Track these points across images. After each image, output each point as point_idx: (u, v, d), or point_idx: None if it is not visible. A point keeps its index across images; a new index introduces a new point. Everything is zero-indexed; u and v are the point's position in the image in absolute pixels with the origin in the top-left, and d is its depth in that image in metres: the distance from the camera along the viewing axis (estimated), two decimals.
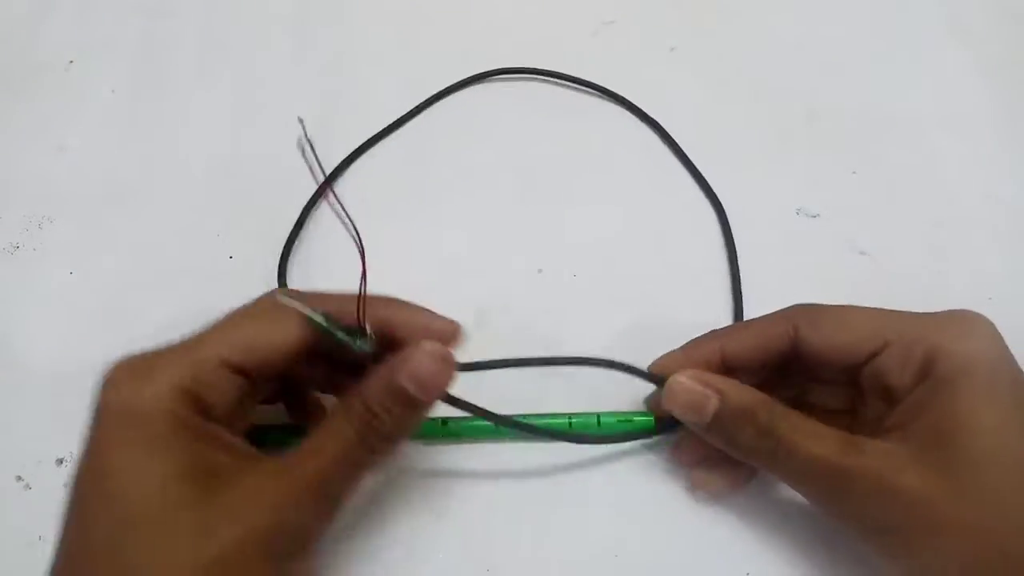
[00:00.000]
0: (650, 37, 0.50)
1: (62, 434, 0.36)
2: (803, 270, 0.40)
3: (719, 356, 0.30)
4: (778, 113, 0.45)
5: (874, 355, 0.28)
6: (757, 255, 0.40)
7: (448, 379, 0.26)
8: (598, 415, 0.33)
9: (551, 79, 0.47)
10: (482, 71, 0.48)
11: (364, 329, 0.27)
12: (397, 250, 0.40)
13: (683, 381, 0.29)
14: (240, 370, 0.26)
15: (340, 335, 0.26)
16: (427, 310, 0.29)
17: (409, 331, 0.28)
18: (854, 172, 0.43)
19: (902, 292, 0.38)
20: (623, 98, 0.46)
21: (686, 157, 0.44)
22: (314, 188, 0.43)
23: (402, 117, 0.46)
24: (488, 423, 0.31)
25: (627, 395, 0.35)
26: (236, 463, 0.24)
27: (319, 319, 0.26)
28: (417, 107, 0.46)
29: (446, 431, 0.33)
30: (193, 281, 0.40)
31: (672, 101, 0.46)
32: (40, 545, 0.33)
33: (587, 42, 0.50)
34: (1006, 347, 0.27)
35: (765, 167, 0.44)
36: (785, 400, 0.29)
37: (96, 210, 0.43)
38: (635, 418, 0.33)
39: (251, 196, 0.44)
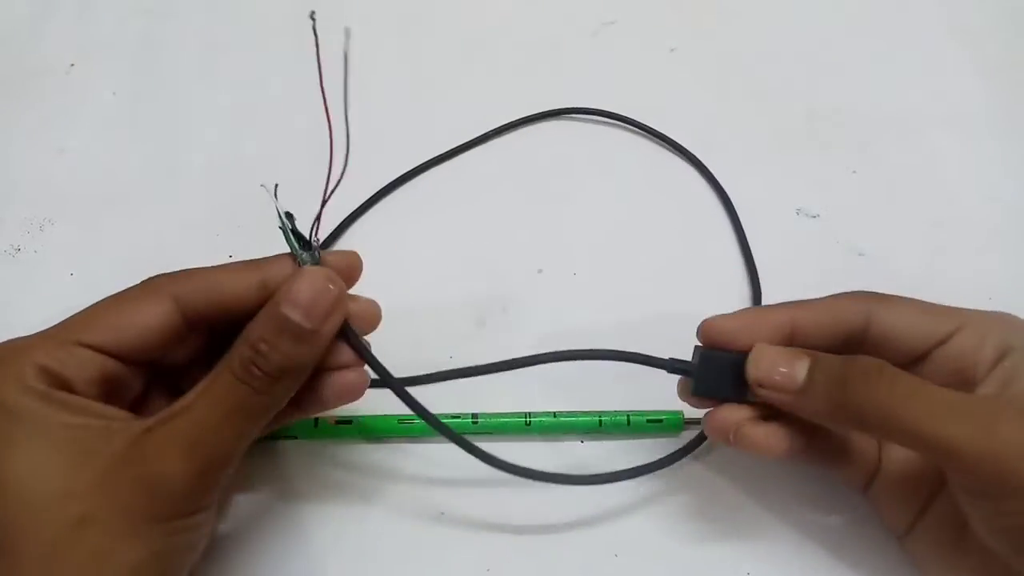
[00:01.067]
0: (650, 38, 0.50)
1: None
2: (802, 270, 0.40)
3: (788, 329, 0.28)
4: (778, 113, 0.45)
5: (949, 336, 0.27)
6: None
7: (336, 303, 0.25)
8: (628, 414, 0.34)
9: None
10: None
11: (309, 242, 0.27)
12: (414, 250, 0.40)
13: (768, 348, 0.28)
14: (102, 349, 0.25)
15: (292, 239, 0.26)
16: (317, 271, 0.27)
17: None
18: (854, 172, 0.43)
19: (900, 293, 0.38)
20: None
21: (694, 158, 0.44)
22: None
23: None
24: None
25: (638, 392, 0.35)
26: (104, 428, 0.24)
27: (282, 216, 0.27)
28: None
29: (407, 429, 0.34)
30: None
31: (671, 102, 0.46)
32: None
33: (587, 42, 0.50)
34: None
35: (765, 167, 0.44)
36: None
37: (97, 212, 0.43)
38: (664, 417, 0.34)
39: (251, 197, 0.43)
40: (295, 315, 0.24)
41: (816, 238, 0.41)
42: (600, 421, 0.34)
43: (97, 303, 0.27)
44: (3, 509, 0.23)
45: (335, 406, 0.28)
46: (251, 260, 0.28)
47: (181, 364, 0.29)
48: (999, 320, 0.28)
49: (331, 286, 0.25)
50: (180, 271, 0.28)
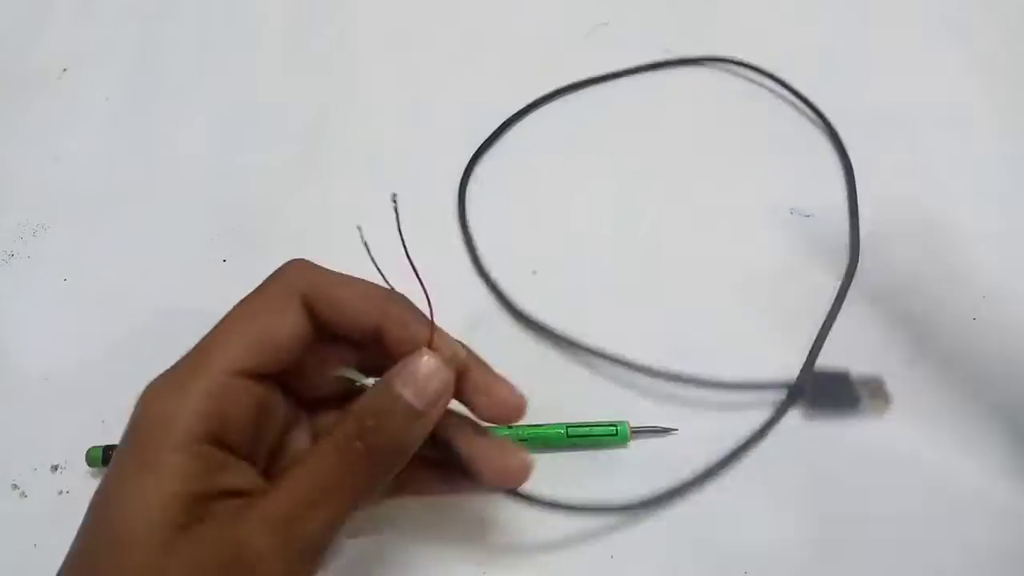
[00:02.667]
0: (644, 39, 0.50)
1: (57, 441, 0.36)
2: (799, 270, 0.40)
3: None
4: (773, 113, 0.45)
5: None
6: (756, 255, 0.40)
7: (447, 381, 0.25)
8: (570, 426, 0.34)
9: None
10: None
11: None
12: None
13: None
14: (252, 373, 0.25)
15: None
16: (438, 329, 0.26)
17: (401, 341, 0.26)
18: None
19: (896, 290, 0.39)
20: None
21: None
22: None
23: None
24: None
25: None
26: (221, 498, 0.23)
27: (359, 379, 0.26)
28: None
29: None
30: (187, 286, 0.40)
31: (668, 102, 0.46)
32: (35, 553, 0.33)
33: (580, 44, 0.50)
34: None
35: (759, 166, 0.44)
36: None
37: (90, 217, 0.43)
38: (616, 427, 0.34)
39: (245, 200, 0.44)
40: (408, 394, 0.24)
41: (811, 238, 0.41)
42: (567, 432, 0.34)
43: (232, 316, 0.26)
44: (95, 540, 0.23)
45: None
46: (378, 287, 0.27)
47: (316, 388, 0.28)
48: None
49: (445, 371, 0.25)
50: (312, 270, 0.27)
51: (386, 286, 0.26)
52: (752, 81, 0.47)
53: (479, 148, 0.44)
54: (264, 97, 0.48)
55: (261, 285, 0.27)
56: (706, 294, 0.39)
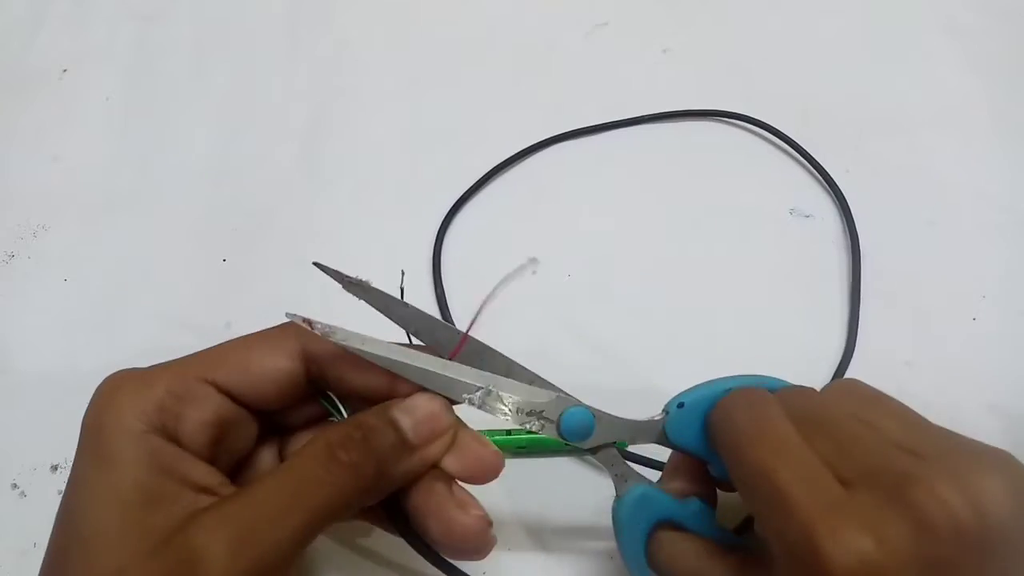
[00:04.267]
0: (643, 39, 0.50)
1: (57, 441, 0.35)
2: (797, 270, 0.40)
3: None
4: (771, 113, 0.45)
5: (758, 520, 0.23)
6: (753, 255, 0.40)
7: (447, 424, 0.24)
8: None
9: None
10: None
11: None
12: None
13: None
14: (225, 390, 0.24)
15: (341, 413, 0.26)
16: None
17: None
18: (847, 171, 0.43)
19: (896, 291, 0.39)
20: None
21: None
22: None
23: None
24: None
25: None
26: (180, 492, 0.22)
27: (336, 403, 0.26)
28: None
29: None
30: (187, 285, 0.40)
31: (665, 102, 0.46)
32: (35, 552, 0.33)
33: (580, 44, 0.50)
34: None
35: (758, 167, 0.44)
36: None
37: (90, 218, 0.43)
38: None
39: (244, 200, 0.44)
40: (405, 422, 0.24)
41: (809, 238, 0.41)
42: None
43: (228, 342, 0.26)
44: (63, 536, 0.22)
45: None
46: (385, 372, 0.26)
47: (295, 428, 0.27)
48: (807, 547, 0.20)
49: (447, 416, 0.24)
50: (317, 338, 0.26)
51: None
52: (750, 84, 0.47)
53: (479, 177, 0.44)
54: (263, 97, 0.48)
55: (268, 329, 0.27)
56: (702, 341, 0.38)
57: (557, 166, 0.44)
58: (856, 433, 0.22)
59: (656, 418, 0.27)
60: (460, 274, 0.40)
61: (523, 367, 0.26)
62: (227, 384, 0.24)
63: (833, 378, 0.36)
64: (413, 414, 0.24)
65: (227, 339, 0.26)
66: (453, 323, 0.37)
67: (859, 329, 0.37)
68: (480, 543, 0.24)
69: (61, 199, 0.44)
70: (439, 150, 0.45)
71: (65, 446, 0.35)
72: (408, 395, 0.25)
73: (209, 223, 0.43)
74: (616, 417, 0.26)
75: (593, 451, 0.27)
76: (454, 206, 0.42)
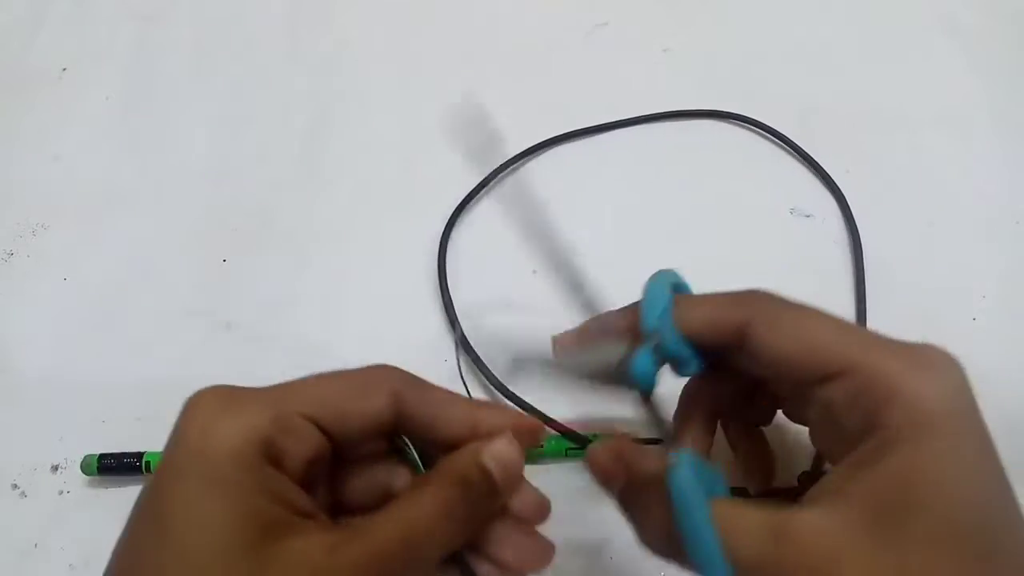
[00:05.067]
0: (643, 38, 0.50)
1: (57, 441, 0.36)
2: (796, 270, 0.40)
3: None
4: (771, 113, 0.45)
5: (826, 379, 0.23)
6: (753, 255, 0.40)
7: (522, 467, 0.25)
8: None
9: None
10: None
11: None
12: None
13: (597, 451, 0.27)
14: (326, 430, 0.25)
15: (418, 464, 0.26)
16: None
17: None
18: (847, 171, 0.43)
19: (896, 291, 0.39)
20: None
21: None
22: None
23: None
24: None
25: None
26: (294, 521, 0.23)
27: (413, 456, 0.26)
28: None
29: None
30: (187, 285, 0.40)
31: (666, 102, 0.46)
32: (35, 552, 0.33)
33: (580, 44, 0.50)
34: (973, 397, 0.23)
35: (758, 167, 0.44)
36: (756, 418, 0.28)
37: (90, 216, 0.43)
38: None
39: (244, 200, 0.44)
40: (496, 470, 0.24)
41: (809, 238, 0.41)
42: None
43: (323, 377, 0.26)
44: (160, 553, 0.22)
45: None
46: (469, 400, 0.27)
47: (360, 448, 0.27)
48: (896, 365, 0.22)
49: (522, 460, 0.25)
50: (407, 374, 0.26)
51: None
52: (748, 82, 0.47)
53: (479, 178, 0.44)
54: (263, 97, 0.48)
55: (367, 366, 0.27)
56: None
57: (558, 166, 0.44)
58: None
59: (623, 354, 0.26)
60: (461, 275, 0.40)
61: None
62: (324, 422, 0.25)
63: None
64: (500, 461, 0.24)
65: (311, 372, 0.26)
66: (458, 322, 0.37)
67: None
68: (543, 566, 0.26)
69: (61, 198, 0.44)
70: (439, 150, 0.45)
71: (65, 446, 0.36)
72: (487, 435, 0.25)
73: (209, 223, 0.43)
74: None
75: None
76: (458, 208, 0.42)
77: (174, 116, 0.47)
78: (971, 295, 0.38)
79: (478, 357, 0.36)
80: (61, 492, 0.35)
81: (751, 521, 0.22)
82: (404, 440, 0.26)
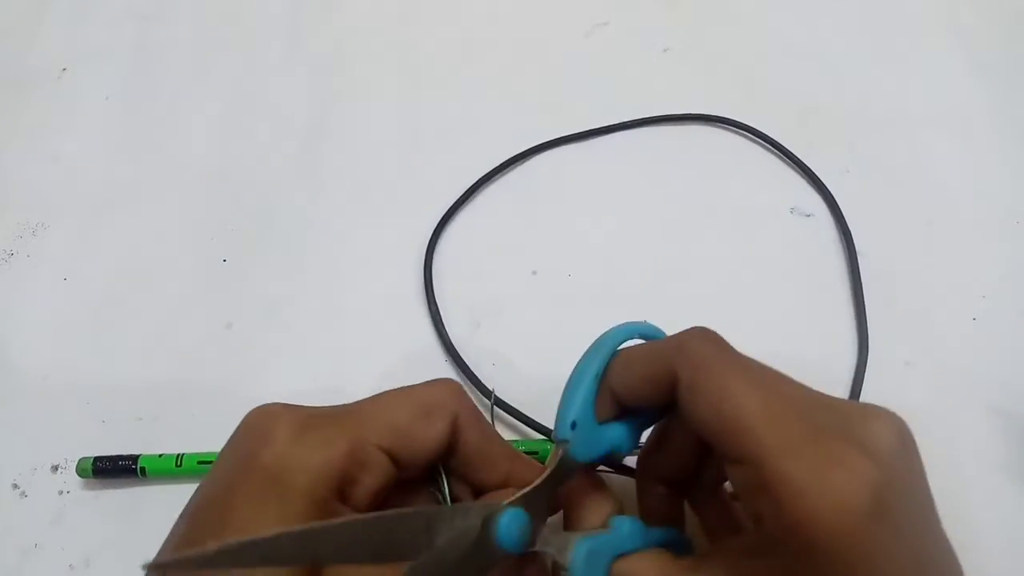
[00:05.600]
0: (643, 38, 0.50)
1: (57, 441, 0.36)
2: (797, 270, 0.40)
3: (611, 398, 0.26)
4: (771, 113, 0.45)
5: (733, 461, 0.22)
6: (753, 255, 0.40)
7: None
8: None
9: None
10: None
11: None
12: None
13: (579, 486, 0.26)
14: (392, 455, 0.24)
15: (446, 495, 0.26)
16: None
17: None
18: (847, 171, 0.43)
19: (895, 291, 0.39)
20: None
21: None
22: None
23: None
24: None
25: None
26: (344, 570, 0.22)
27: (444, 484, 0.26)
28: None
29: None
30: (187, 285, 0.40)
31: (666, 101, 0.46)
32: (35, 552, 0.33)
33: (580, 43, 0.50)
34: (892, 500, 0.20)
35: (758, 167, 0.44)
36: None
37: (90, 216, 0.43)
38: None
39: (244, 199, 0.44)
40: None
41: (810, 237, 0.41)
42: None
43: (393, 399, 0.25)
44: None
45: None
46: (509, 445, 0.27)
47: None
48: (785, 479, 0.20)
49: None
50: (464, 395, 0.26)
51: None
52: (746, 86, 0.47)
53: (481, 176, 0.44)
54: (263, 97, 0.48)
55: (431, 384, 0.26)
56: None
57: (555, 167, 0.44)
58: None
59: (557, 460, 0.25)
60: (456, 276, 0.40)
61: None
62: (394, 451, 0.24)
63: (853, 382, 0.36)
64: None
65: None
66: (446, 332, 0.37)
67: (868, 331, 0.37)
68: None
69: (61, 198, 0.44)
70: (438, 150, 0.45)
71: (65, 446, 0.36)
72: (523, 482, 0.25)
73: (209, 223, 0.43)
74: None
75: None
76: (450, 209, 0.42)
77: (174, 116, 0.47)
78: (971, 295, 0.38)
79: (516, 410, 0.35)
80: (61, 492, 0.35)
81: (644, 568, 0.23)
82: (440, 471, 0.26)
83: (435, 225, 0.42)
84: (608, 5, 0.51)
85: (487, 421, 0.26)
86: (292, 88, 0.48)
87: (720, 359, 0.23)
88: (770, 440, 0.20)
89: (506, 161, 0.44)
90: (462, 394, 0.26)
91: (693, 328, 0.24)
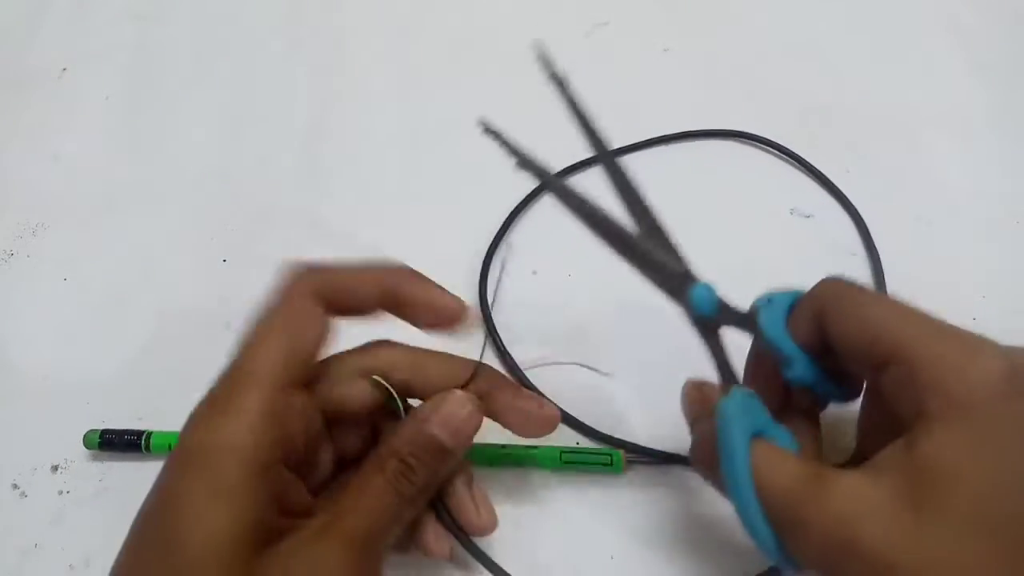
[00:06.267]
0: (643, 38, 0.50)
1: (57, 441, 0.36)
2: (797, 270, 0.40)
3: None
4: (771, 113, 0.45)
5: (881, 366, 0.24)
6: (752, 255, 0.40)
7: (477, 423, 0.27)
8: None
9: None
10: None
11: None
12: None
13: (689, 385, 0.29)
14: (296, 386, 0.26)
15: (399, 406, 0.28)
16: (436, 287, 0.28)
17: (417, 309, 0.28)
18: (847, 171, 0.43)
19: (896, 292, 0.39)
20: None
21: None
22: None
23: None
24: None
25: None
26: (287, 522, 0.24)
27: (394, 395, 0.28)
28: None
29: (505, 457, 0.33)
30: (187, 285, 0.40)
31: (666, 101, 0.46)
32: (35, 552, 0.33)
33: (580, 43, 0.50)
34: (1021, 385, 0.22)
35: (757, 167, 0.44)
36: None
37: (90, 216, 0.43)
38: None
39: (244, 199, 0.44)
40: (443, 436, 0.26)
41: (810, 238, 0.41)
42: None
43: (259, 332, 0.27)
44: (164, 561, 0.22)
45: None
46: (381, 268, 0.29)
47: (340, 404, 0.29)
48: (943, 352, 0.23)
49: (474, 410, 0.27)
50: (315, 270, 0.28)
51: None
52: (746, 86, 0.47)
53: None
54: (263, 97, 0.48)
55: (278, 296, 0.27)
56: None
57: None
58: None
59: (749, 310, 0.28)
60: (456, 275, 0.40)
61: None
62: (295, 378, 0.26)
63: None
64: (449, 425, 0.26)
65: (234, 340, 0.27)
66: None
67: None
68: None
69: (61, 198, 0.44)
70: (438, 150, 0.45)
71: (65, 446, 0.35)
72: (413, 294, 0.27)
73: (209, 223, 0.43)
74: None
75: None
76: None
77: (174, 116, 0.47)
78: (971, 295, 0.38)
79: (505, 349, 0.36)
80: (61, 492, 0.35)
81: (790, 462, 0.24)
82: (387, 387, 0.28)
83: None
84: (608, 5, 0.51)
85: (342, 266, 0.28)
86: (292, 88, 0.48)
87: (852, 287, 0.26)
88: (914, 331, 0.24)
89: None
90: (310, 269, 0.28)
91: (825, 278, 0.27)
